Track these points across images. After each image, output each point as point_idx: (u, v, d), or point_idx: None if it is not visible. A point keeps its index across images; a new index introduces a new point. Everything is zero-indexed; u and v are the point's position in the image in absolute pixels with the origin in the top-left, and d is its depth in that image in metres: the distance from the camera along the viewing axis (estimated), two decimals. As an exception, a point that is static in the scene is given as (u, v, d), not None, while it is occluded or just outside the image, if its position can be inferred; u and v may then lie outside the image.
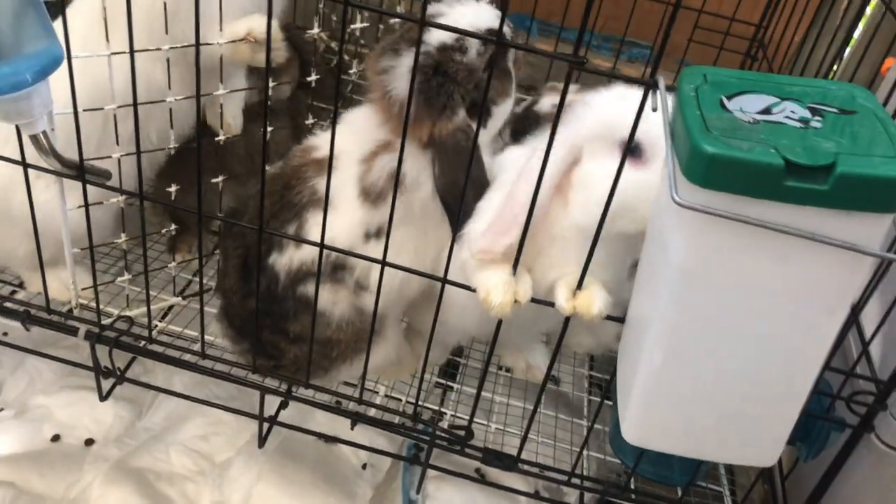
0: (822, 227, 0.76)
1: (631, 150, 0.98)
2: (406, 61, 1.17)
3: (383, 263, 1.14)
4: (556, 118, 0.94)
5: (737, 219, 0.76)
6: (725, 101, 0.82)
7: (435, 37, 1.17)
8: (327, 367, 1.38)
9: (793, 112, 0.81)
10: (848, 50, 1.92)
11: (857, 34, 1.95)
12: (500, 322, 1.13)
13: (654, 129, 0.96)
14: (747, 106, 0.81)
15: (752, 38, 2.20)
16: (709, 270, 0.82)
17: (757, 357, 0.88)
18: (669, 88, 0.87)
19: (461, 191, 1.08)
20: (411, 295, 1.39)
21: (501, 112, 1.28)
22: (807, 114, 0.81)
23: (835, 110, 0.82)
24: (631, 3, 2.25)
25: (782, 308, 0.84)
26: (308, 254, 1.27)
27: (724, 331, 0.86)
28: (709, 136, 0.75)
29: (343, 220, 1.24)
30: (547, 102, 1.64)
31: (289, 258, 1.28)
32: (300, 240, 1.25)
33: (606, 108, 1.09)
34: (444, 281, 1.14)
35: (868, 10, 1.90)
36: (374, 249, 1.22)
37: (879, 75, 1.73)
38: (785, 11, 2.04)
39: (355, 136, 1.26)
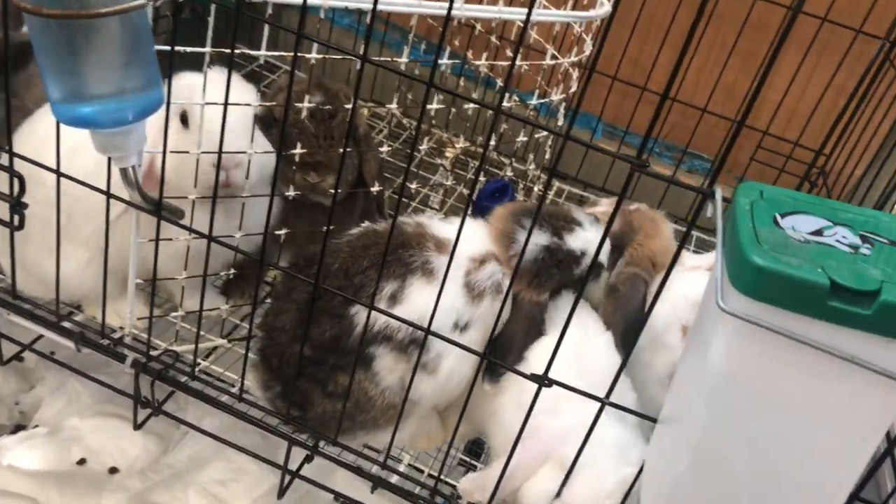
0: (863, 351, 0.78)
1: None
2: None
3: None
4: (606, 227, 1.00)
5: (778, 331, 0.77)
6: (779, 218, 0.85)
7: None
8: (347, 429, 1.38)
9: (844, 237, 0.84)
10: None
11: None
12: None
13: None
14: (799, 225, 0.84)
15: (811, 163, 2.23)
16: (746, 378, 0.83)
17: (784, 473, 0.88)
18: (726, 200, 0.91)
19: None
20: (456, 394, 1.41)
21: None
22: (857, 240, 0.84)
23: (885, 241, 0.85)
24: (697, 115, 2.32)
25: (815, 427, 0.84)
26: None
27: (753, 441, 0.87)
28: (759, 249, 0.78)
29: (441, 302, 1.23)
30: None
31: (374, 315, 1.26)
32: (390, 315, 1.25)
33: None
34: (484, 357, 1.17)
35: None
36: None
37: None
38: (849, 142, 2.08)
39: (469, 234, 1.34)
